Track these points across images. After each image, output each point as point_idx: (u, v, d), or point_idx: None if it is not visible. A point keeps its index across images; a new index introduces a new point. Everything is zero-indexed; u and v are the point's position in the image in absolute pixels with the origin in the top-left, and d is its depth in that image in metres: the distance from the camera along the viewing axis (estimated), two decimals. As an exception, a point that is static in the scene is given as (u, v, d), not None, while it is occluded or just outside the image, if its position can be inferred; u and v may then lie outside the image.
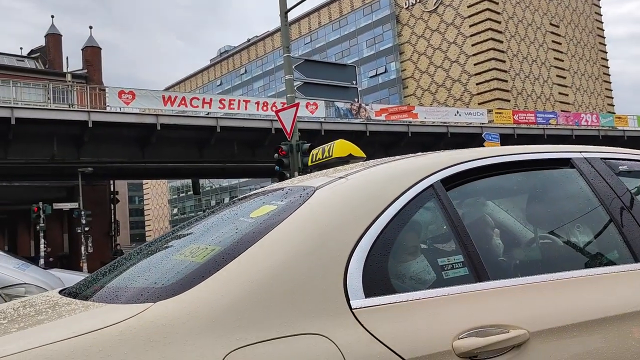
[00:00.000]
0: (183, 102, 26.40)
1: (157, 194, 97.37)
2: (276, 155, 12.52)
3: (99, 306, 1.37)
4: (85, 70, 35.77)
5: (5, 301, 3.37)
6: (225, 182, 76.93)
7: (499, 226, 1.91)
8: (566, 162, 1.89)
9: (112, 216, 34.14)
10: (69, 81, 31.06)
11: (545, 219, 1.97)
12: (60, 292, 1.78)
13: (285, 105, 12.92)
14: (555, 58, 60.37)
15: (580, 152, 1.93)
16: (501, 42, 53.51)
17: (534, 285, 1.53)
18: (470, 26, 53.65)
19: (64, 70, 36.21)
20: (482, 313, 1.40)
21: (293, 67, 13.27)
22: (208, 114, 27.57)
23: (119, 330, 1.16)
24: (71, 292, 1.68)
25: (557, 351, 1.41)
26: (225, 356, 1.15)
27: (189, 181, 50.33)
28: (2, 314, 1.52)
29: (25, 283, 3.81)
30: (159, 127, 24.89)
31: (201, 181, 40.30)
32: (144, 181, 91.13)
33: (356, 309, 1.31)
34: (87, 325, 1.20)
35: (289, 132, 12.09)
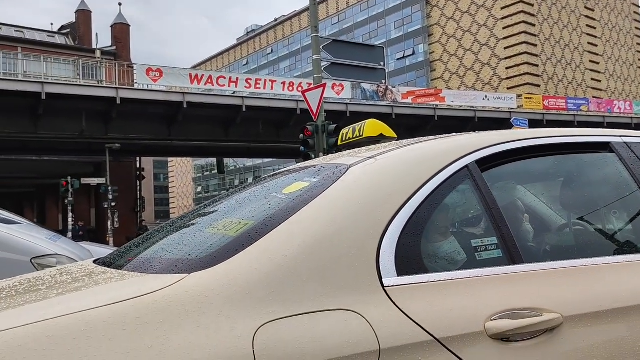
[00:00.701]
0: (210, 81, 26.48)
1: (181, 172, 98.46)
2: (301, 135, 12.52)
3: (134, 275, 1.39)
4: (114, 47, 36.09)
5: (38, 271, 3.46)
6: (249, 162, 77.29)
7: (532, 209, 1.88)
8: (605, 147, 1.85)
9: (138, 193, 34.65)
10: (98, 58, 31.42)
11: (581, 203, 1.93)
12: (94, 261, 1.81)
13: (312, 86, 12.87)
14: (589, 43, 58.81)
15: (620, 136, 1.88)
16: (533, 25, 52.27)
17: (569, 269, 1.51)
18: (502, 8, 52.47)
19: (94, 46, 36.61)
20: (516, 295, 1.39)
21: (321, 47, 13.18)
22: (234, 93, 27.65)
23: (155, 299, 1.18)
24: (105, 262, 1.71)
25: (591, 336, 1.40)
26: (258, 328, 1.16)
27: (213, 160, 50.72)
28: (40, 281, 1.55)
29: (56, 254, 3.90)
30: (185, 105, 25.07)
31: (225, 160, 40.58)
32: (169, 159, 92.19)
33: (388, 287, 1.31)
34: (123, 293, 1.22)
35: (315, 112, 12.06)
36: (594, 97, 49.05)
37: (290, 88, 27.88)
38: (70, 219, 27.95)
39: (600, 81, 59.13)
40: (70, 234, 25.02)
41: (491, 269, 1.44)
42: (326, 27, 65.37)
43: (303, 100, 13.21)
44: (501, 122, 31.36)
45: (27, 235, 4.01)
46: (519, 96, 37.07)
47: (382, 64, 14.88)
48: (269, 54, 78.16)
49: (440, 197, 1.51)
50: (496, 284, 1.40)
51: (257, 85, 27.55)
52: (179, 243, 1.66)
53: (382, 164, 1.60)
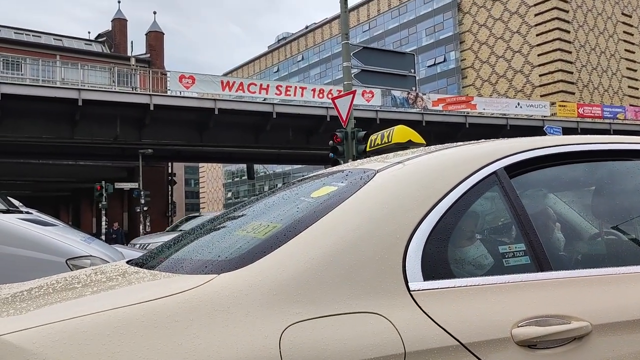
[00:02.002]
0: (241, 88, 26.79)
1: (212, 178, 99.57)
2: (331, 142, 12.54)
3: (166, 275, 1.43)
4: (148, 55, 36.85)
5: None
6: (278, 168, 77.74)
7: (562, 217, 1.86)
8: (638, 154, 1.82)
9: (170, 197, 35.17)
10: (133, 65, 32.10)
11: (614, 211, 1.90)
12: (127, 262, 1.87)
13: (342, 93, 12.90)
14: (625, 50, 57.45)
15: None
16: (568, 32, 51.34)
17: (598, 277, 1.49)
18: (536, 15, 51.70)
19: (129, 54, 37.44)
20: (544, 302, 1.38)
21: (351, 54, 13.22)
22: (265, 99, 27.89)
23: (185, 298, 1.21)
24: (138, 262, 1.76)
25: (621, 346, 1.38)
26: (285, 329, 1.18)
27: (243, 166, 51.18)
28: (76, 279, 1.61)
29: (90, 255, 3.99)
30: (216, 112, 25.40)
31: (255, 166, 40.87)
32: (200, 165, 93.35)
33: (414, 291, 1.32)
34: (155, 292, 1.26)
35: (344, 119, 12.08)
36: (630, 104, 47.82)
37: (321, 95, 27.98)
38: (103, 222, 28.54)
39: (637, 89, 57.62)
40: (103, 237, 25.54)
41: (519, 276, 1.43)
42: (357, 34, 65.43)
43: (333, 107, 13.25)
44: (534, 130, 30.85)
45: (62, 237, 4.13)
46: (552, 104, 36.39)
47: (412, 71, 14.84)
48: (300, 61, 78.62)
49: (468, 202, 1.51)
50: (523, 291, 1.39)
51: (288, 92, 27.74)
52: (209, 245, 1.69)
53: (410, 169, 1.61)
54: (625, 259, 1.70)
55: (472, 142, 1.84)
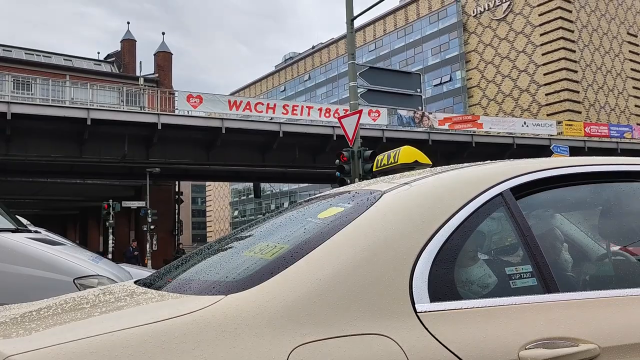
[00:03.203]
0: (248, 107, 26.95)
1: (219, 196, 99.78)
2: (337, 161, 12.58)
3: (174, 296, 1.44)
4: (157, 74, 37.25)
5: (80, 291, 3.57)
6: (285, 187, 77.84)
7: (569, 238, 1.86)
8: None
9: (177, 216, 35.26)
10: (142, 85, 32.44)
11: (620, 233, 1.90)
12: (135, 282, 1.88)
13: (348, 112, 12.96)
14: (632, 69, 57.52)
15: None
16: (573, 51, 51.52)
17: (606, 299, 1.48)
18: (541, 35, 51.97)
19: (137, 74, 37.86)
20: (551, 325, 1.37)
21: (357, 74, 13.31)
22: (271, 119, 28.05)
23: (193, 319, 1.22)
24: (146, 283, 1.77)
25: (630, 369, 1.37)
26: (292, 350, 1.19)
27: (250, 184, 51.19)
28: (85, 300, 1.62)
29: (98, 275, 4.01)
30: (224, 131, 25.54)
31: (262, 185, 40.93)
32: (207, 183, 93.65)
33: (421, 312, 1.32)
34: (163, 312, 1.27)
35: (351, 138, 12.12)
36: (638, 123, 47.67)
37: (327, 114, 28.11)
38: (110, 241, 28.59)
39: (644, 108, 57.57)
40: (110, 256, 25.54)
41: (526, 297, 1.43)
42: (363, 54, 65.95)
43: (339, 126, 13.31)
44: (541, 149, 30.81)
45: (70, 256, 4.15)
46: (559, 123, 36.35)
47: (418, 90, 14.92)
48: (306, 80, 79.19)
49: (474, 224, 1.52)
50: (531, 312, 1.39)
51: (294, 111, 27.89)
52: (216, 265, 1.70)
53: (416, 190, 1.62)
54: (633, 281, 1.69)
55: (478, 163, 1.85)
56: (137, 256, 25.25)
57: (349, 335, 1.24)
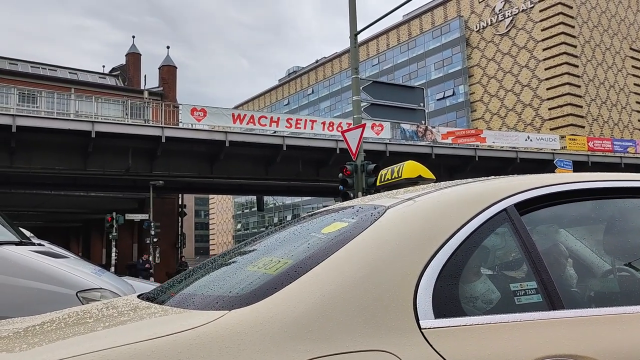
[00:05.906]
0: (251, 120, 27.04)
1: (222, 209, 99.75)
2: (340, 175, 12.59)
3: (177, 311, 1.44)
4: (161, 88, 37.44)
5: (83, 304, 3.56)
6: (288, 200, 77.82)
7: (573, 254, 1.85)
8: None
9: (179, 229, 35.22)
10: (146, 98, 32.62)
11: (625, 249, 1.89)
12: (138, 296, 1.87)
13: (352, 126, 12.99)
14: (635, 84, 57.60)
15: None
16: (576, 66, 51.66)
17: (612, 317, 1.47)
18: (544, 50, 52.17)
19: (142, 87, 38.08)
20: (556, 342, 1.36)
21: (361, 88, 13.37)
22: (275, 132, 28.12)
23: (197, 335, 1.21)
24: (149, 297, 1.77)
25: (636, 387, 1.35)
26: (295, 367, 1.18)
27: (253, 197, 51.26)
28: (88, 314, 1.62)
29: (101, 288, 4.00)
30: (227, 144, 25.61)
31: (265, 198, 40.93)
32: (210, 196, 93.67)
33: (425, 329, 1.31)
34: (166, 328, 1.26)
35: (354, 152, 12.14)
36: (641, 138, 47.62)
37: (330, 128, 28.17)
38: (113, 254, 28.56)
39: (647, 122, 57.56)
40: (112, 269, 25.48)
41: (530, 314, 1.42)
42: (366, 68, 66.24)
43: (342, 140, 13.34)
44: (544, 164, 30.77)
45: (74, 269, 4.14)
46: (562, 137, 36.34)
47: (421, 104, 14.95)
48: (310, 94, 79.51)
49: (478, 240, 1.51)
50: (535, 330, 1.38)
51: (298, 125, 27.95)
52: (219, 280, 1.70)
53: (420, 205, 1.62)
54: (638, 298, 1.68)
55: (483, 178, 1.85)
56: (149, 269, 25.20)
57: (352, 352, 1.23)
